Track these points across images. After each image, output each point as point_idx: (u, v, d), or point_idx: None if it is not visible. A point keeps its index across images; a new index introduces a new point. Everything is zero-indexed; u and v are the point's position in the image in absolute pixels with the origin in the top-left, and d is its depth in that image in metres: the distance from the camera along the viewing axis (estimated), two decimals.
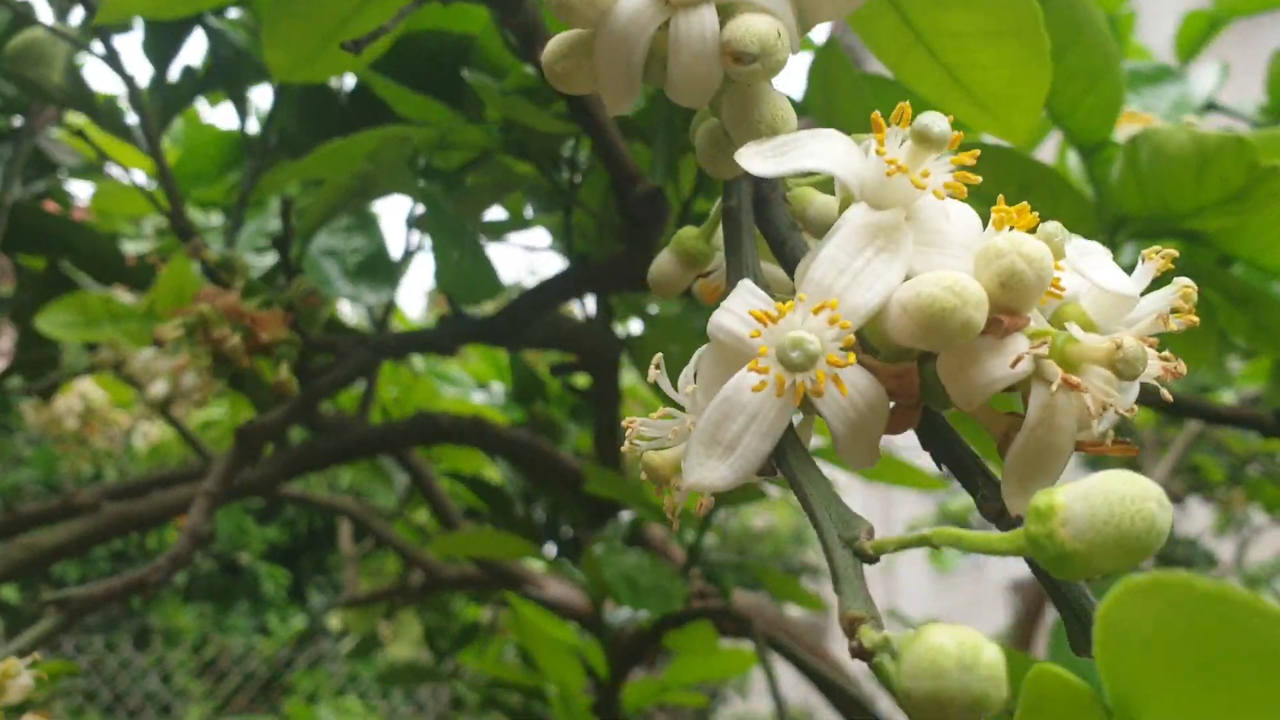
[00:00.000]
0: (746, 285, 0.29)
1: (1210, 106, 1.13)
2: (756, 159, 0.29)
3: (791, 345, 0.26)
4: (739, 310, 0.28)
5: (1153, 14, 1.56)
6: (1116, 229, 0.74)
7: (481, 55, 0.78)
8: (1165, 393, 0.27)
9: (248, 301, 0.66)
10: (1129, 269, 0.74)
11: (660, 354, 0.31)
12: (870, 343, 0.28)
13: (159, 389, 0.95)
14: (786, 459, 0.27)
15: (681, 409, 0.31)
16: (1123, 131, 0.77)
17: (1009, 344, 0.26)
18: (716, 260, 0.41)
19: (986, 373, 0.26)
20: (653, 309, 1.03)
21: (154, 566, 0.64)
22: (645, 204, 0.71)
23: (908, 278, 0.27)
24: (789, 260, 0.34)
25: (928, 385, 0.28)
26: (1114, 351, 0.25)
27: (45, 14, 0.84)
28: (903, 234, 0.27)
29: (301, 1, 0.64)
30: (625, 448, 0.30)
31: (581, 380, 1.15)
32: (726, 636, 1.09)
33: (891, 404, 0.28)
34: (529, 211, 0.93)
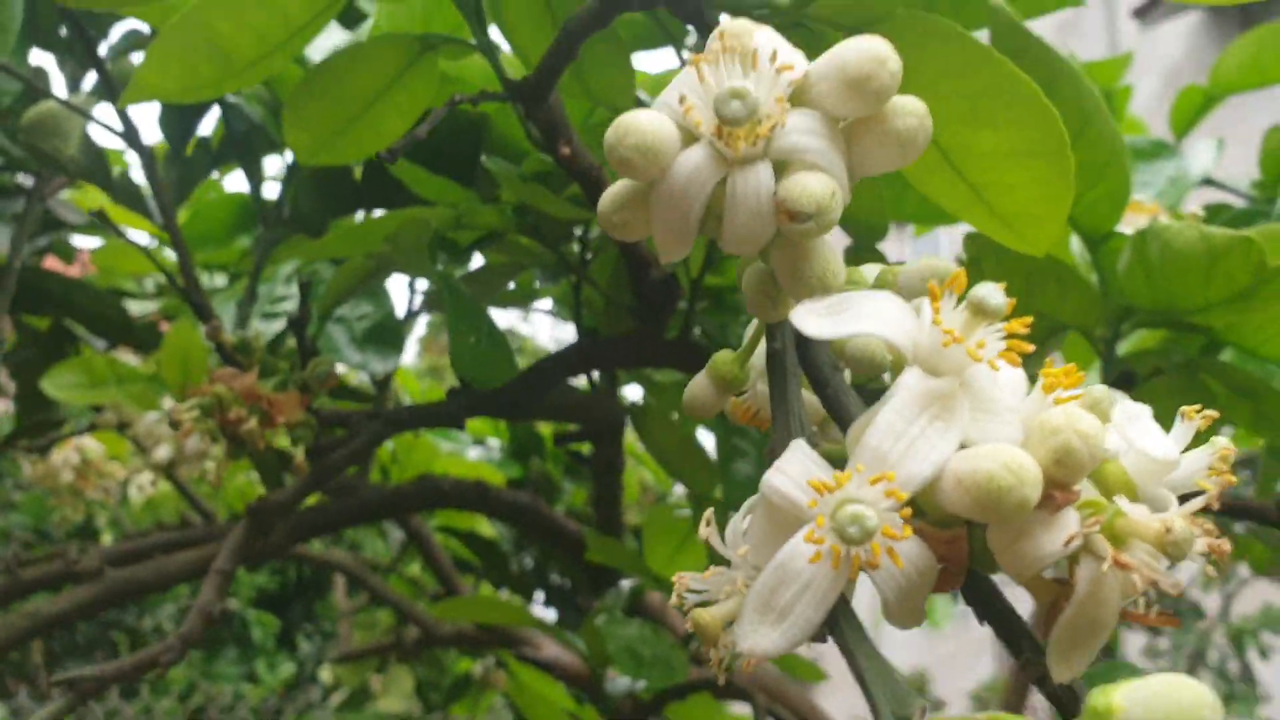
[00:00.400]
0: (800, 447, 0.29)
1: (1206, 182, 1.14)
2: (811, 319, 0.30)
3: (850, 520, 0.26)
4: (793, 473, 0.28)
5: (1137, 72, 1.57)
6: (1122, 319, 0.75)
7: (496, 133, 0.79)
8: (1210, 569, 0.28)
9: (264, 383, 0.66)
10: (1134, 356, 0.75)
11: (711, 510, 0.31)
12: (921, 507, 0.29)
13: (163, 453, 0.95)
14: (840, 629, 0.28)
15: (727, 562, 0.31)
16: (1127, 221, 0.78)
17: (1061, 519, 0.27)
18: (750, 383, 0.41)
19: (1039, 547, 0.27)
20: (656, 376, 1.04)
21: (165, 646, 0.64)
22: (660, 289, 0.72)
23: (962, 446, 0.28)
24: (830, 401, 0.35)
25: (975, 551, 0.29)
26: (1164, 534, 0.26)
27: (59, 82, 0.85)
28: (958, 402, 0.28)
29: (325, 85, 0.64)
30: (673, 601, 0.31)
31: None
32: (726, 699, 1.09)
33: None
34: (536, 283, 0.94)
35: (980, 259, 0.71)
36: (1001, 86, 0.45)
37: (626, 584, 1.09)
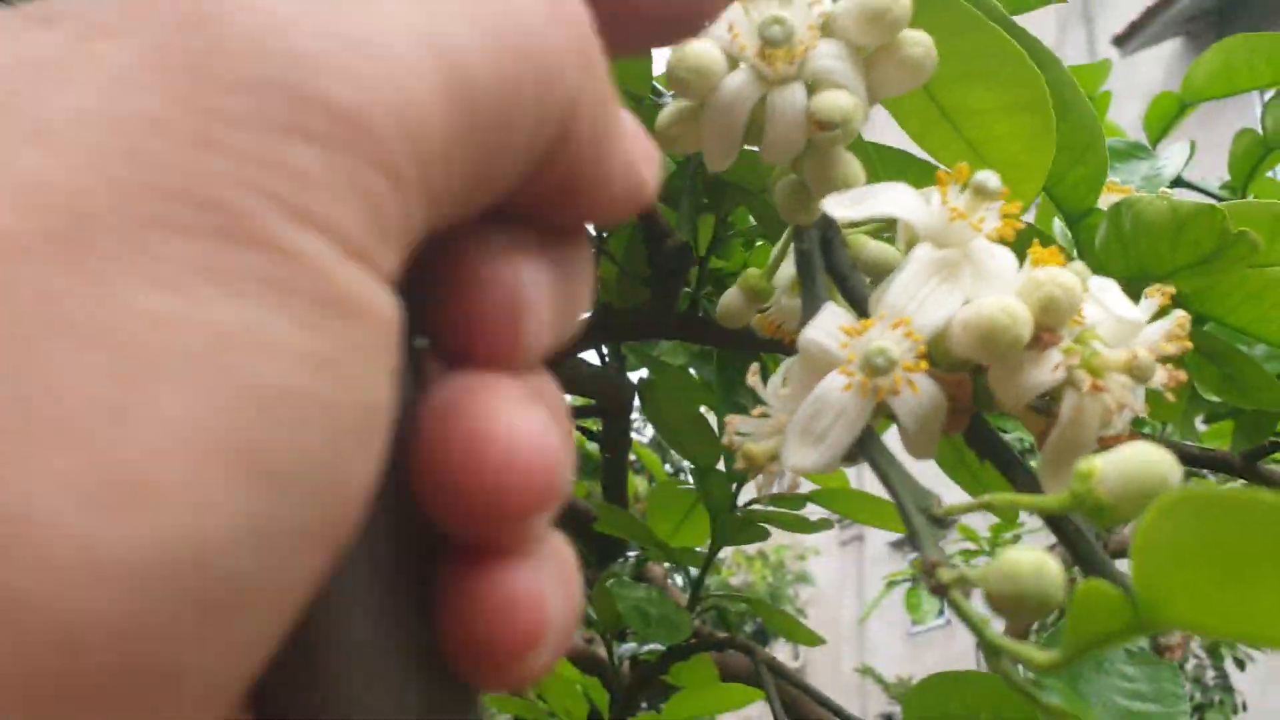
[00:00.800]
0: (831, 307, 0.35)
1: (1178, 182, 1.21)
2: (840, 206, 0.36)
3: (876, 353, 0.33)
4: (826, 327, 0.35)
5: (1118, 96, 1.65)
6: None
7: None
8: (1169, 396, 0.34)
9: None
10: None
11: (756, 363, 0.37)
12: (933, 356, 0.35)
13: None
14: (868, 447, 0.34)
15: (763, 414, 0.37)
16: (1104, 201, 0.85)
17: (1048, 356, 0.33)
18: (774, 298, 0.48)
19: (1031, 378, 0.33)
20: (663, 357, 1.10)
21: None
22: (675, 256, 0.78)
23: (965, 304, 0.34)
24: (851, 292, 0.41)
25: (978, 392, 0.35)
26: (1131, 360, 0.32)
27: None
28: (962, 269, 0.34)
29: None
30: (725, 440, 0.37)
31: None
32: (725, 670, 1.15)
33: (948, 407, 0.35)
34: None
35: None
36: (992, 48, 0.52)
37: (631, 555, 1.15)
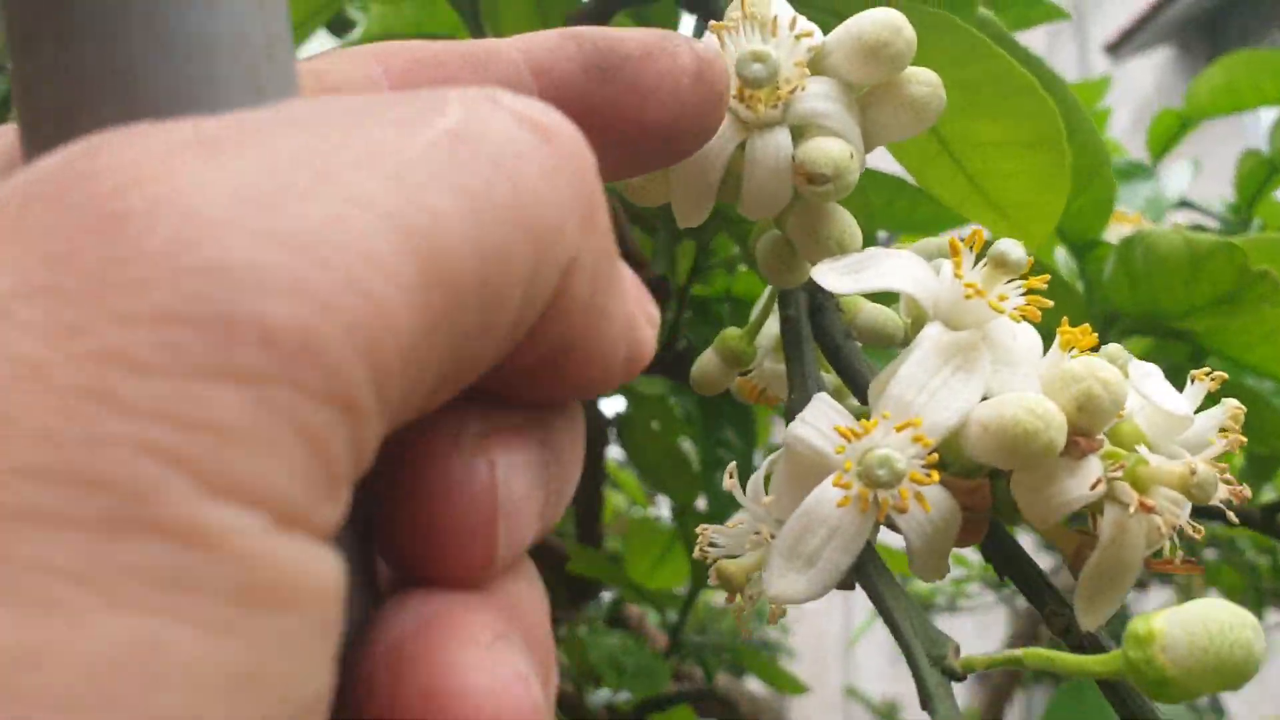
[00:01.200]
0: (824, 399, 0.29)
1: (1181, 203, 1.16)
2: (832, 275, 0.30)
3: (879, 463, 0.27)
4: (818, 424, 0.29)
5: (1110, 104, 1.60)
6: (1107, 325, 0.76)
7: None
8: (1231, 515, 0.29)
9: None
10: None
11: (734, 463, 0.31)
12: (944, 457, 0.29)
13: None
14: (868, 573, 0.28)
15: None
16: (1111, 231, 0.79)
17: (1085, 466, 0.27)
18: (756, 360, 0.42)
19: (1064, 493, 0.27)
20: (639, 388, 1.04)
21: None
22: (652, 289, 0.72)
23: (984, 396, 0.28)
24: (844, 366, 0.35)
25: (997, 500, 0.29)
26: (1188, 477, 0.27)
27: None
28: (980, 354, 0.29)
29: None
30: (696, 554, 0.31)
31: None
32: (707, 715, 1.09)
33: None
34: None
35: None
36: (999, 78, 0.46)
37: (606, 596, 1.09)
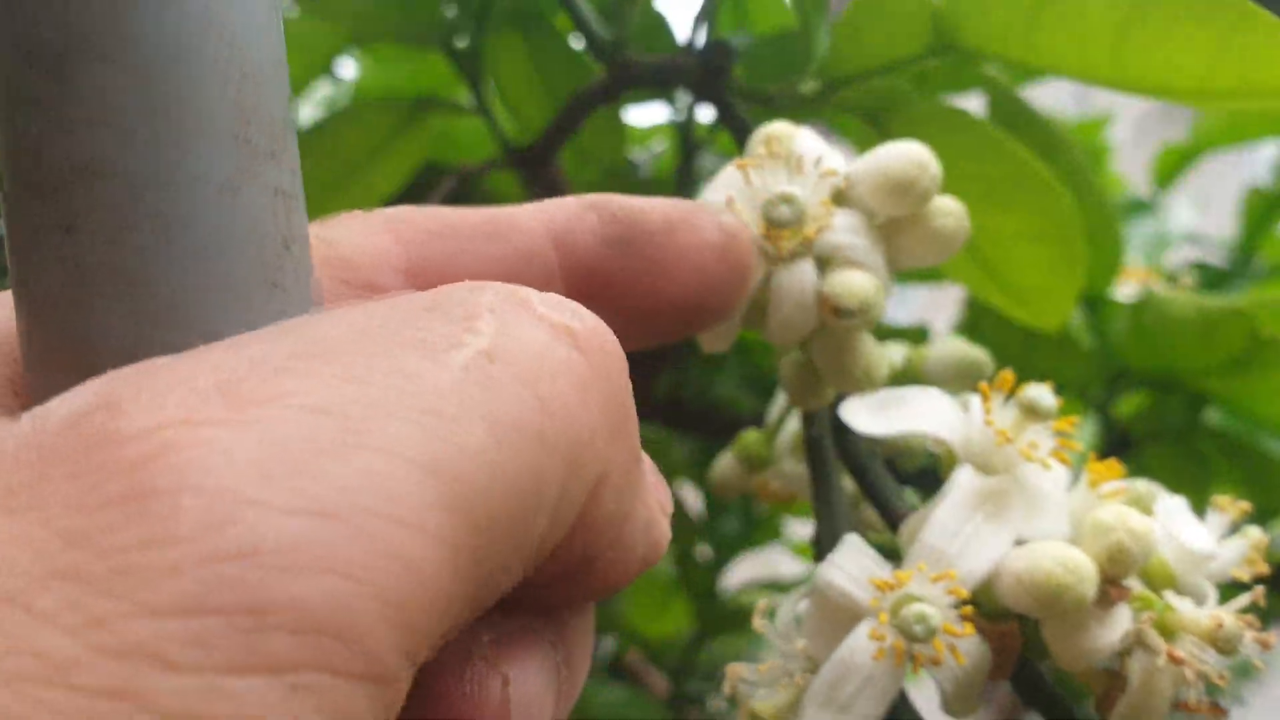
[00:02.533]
0: (855, 543, 0.30)
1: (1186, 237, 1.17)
2: (863, 415, 0.30)
3: (916, 619, 0.27)
4: (850, 569, 0.29)
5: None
6: (1117, 380, 0.76)
7: (482, 189, 0.80)
8: (1258, 663, 0.29)
9: None
10: (1134, 418, 0.75)
11: (764, 601, 0.32)
12: (978, 602, 0.29)
13: None
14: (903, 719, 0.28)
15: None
16: (1120, 285, 0.80)
17: (1115, 614, 0.28)
18: (776, 461, 0.42)
19: (1094, 640, 0.28)
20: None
21: None
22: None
23: (1016, 542, 0.29)
24: (871, 488, 0.35)
25: (1028, 642, 0.29)
26: (1216, 630, 0.27)
27: None
28: (1011, 500, 0.29)
29: (315, 146, 0.64)
30: (726, 690, 0.31)
31: None
32: None
33: None
34: None
35: (978, 322, 0.72)
36: (1015, 173, 0.47)
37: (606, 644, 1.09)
